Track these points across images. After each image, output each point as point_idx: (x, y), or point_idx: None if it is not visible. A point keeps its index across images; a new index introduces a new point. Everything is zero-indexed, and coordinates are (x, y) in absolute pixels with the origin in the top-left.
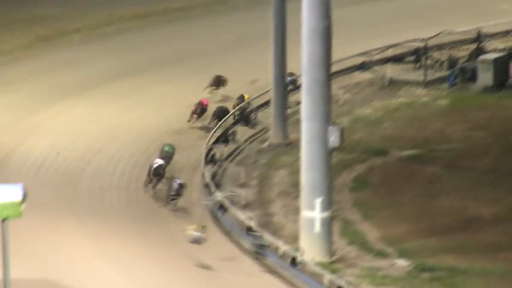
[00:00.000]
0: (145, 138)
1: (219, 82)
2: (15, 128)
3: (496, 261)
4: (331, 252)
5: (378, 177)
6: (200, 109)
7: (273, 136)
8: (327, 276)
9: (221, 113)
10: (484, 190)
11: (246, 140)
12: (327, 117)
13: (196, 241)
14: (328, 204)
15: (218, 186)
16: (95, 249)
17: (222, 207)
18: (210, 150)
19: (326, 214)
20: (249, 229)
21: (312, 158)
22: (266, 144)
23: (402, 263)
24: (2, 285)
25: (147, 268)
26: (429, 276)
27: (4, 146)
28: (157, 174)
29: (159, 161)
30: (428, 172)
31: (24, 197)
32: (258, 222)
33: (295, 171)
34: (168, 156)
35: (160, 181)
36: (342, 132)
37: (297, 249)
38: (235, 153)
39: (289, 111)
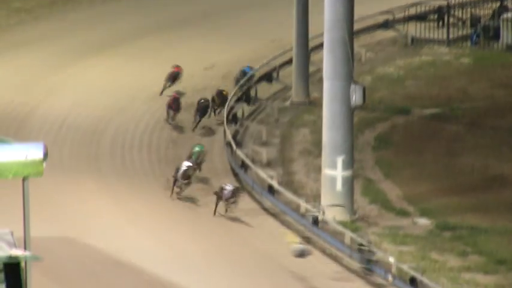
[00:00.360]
0: (166, 97)
1: (174, 76)
2: (36, 87)
3: None
4: (353, 211)
5: (400, 136)
6: (176, 104)
7: (295, 95)
8: (348, 235)
9: (204, 108)
10: (507, 149)
11: (268, 99)
12: (349, 76)
13: (302, 254)
14: (349, 163)
15: (240, 144)
16: (116, 209)
17: (243, 165)
18: (231, 108)
19: (347, 173)
20: (360, 244)
21: (334, 117)
22: (288, 102)
23: (423, 222)
24: (22, 243)
25: (168, 227)
26: (450, 235)
27: (25, 104)
28: (186, 177)
29: (188, 163)
30: (450, 131)
31: (45, 156)
32: (280, 181)
33: (317, 130)
34: (198, 157)
35: (188, 185)
36: (364, 91)
37: (319, 208)
38: (257, 111)
39: (311, 69)
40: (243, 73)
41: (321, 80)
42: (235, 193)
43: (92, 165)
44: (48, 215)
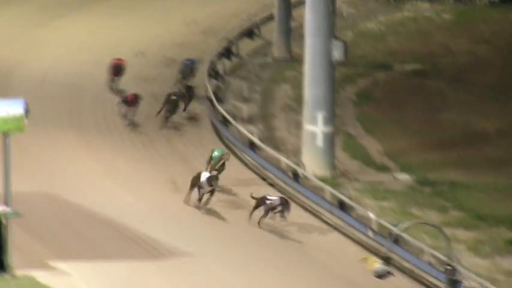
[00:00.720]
0: (147, 51)
1: (118, 69)
2: (17, 43)
3: (498, 176)
4: (333, 167)
5: (381, 91)
6: (135, 101)
7: (277, 50)
8: (329, 190)
9: (172, 104)
10: (488, 105)
11: (250, 55)
12: (330, 32)
13: (382, 276)
14: (330, 119)
15: (221, 100)
16: (98, 165)
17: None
18: (213, 64)
19: (328, 128)
20: (447, 265)
21: (316, 73)
22: (269, 58)
23: (404, 177)
24: (3, 199)
25: (149, 184)
26: (431, 190)
27: (6, 60)
28: (210, 185)
29: (208, 173)
30: (432, 86)
31: (27, 111)
32: (261, 137)
33: (298, 86)
34: (217, 164)
35: (213, 195)
36: (346, 47)
37: (299, 163)
38: (239, 67)
39: (293, 25)
40: (186, 66)
41: (302, 36)
42: (283, 204)
43: (74, 121)
44: (29, 171)
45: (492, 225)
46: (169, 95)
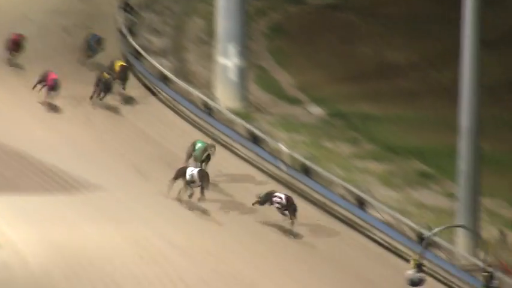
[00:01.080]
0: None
1: (17, 45)
2: None
3: (409, 108)
4: (246, 100)
5: (293, 25)
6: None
7: None
8: (241, 123)
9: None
10: (400, 37)
11: None
12: None
13: (416, 283)
14: (243, 52)
15: (133, 33)
16: (10, 98)
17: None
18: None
19: (241, 62)
20: (486, 274)
21: (228, 6)
22: None
23: (316, 110)
24: None
25: (61, 115)
26: (343, 123)
27: None
28: (199, 184)
29: (195, 169)
30: (344, 20)
31: None
32: (174, 70)
33: (211, 19)
34: (202, 156)
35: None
36: None
37: (212, 96)
38: (151, 1)
39: None
40: (92, 43)
41: None
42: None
43: None
44: None
45: (403, 157)
46: (100, 75)
